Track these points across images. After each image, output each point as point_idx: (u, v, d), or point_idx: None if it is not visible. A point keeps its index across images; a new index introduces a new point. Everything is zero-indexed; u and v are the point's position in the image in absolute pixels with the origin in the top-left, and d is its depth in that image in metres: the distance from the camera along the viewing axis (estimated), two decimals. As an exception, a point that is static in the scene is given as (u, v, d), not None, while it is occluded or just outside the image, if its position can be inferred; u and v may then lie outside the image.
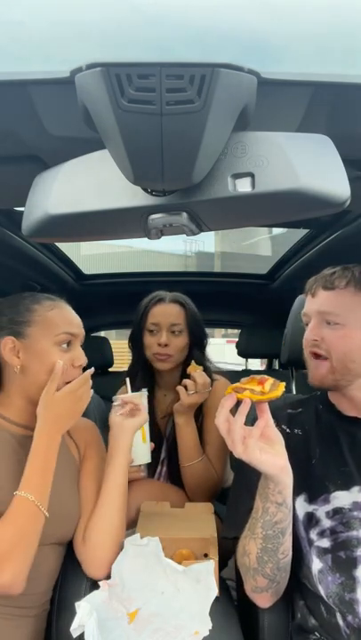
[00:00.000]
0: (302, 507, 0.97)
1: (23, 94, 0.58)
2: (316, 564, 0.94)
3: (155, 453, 1.35)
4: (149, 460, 1.25)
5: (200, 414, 1.49)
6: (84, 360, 1.03)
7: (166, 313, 1.51)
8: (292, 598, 1.01)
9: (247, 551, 0.93)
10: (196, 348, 1.54)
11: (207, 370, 1.48)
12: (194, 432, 1.43)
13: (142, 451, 1.21)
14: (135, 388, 1.24)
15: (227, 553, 1.21)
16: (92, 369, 1.02)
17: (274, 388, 0.87)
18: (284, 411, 1.09)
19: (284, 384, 0.89)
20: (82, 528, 1.03)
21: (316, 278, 1.04)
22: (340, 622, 0.90)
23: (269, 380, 0.88)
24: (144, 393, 1.20)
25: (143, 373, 1.55)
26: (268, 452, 0.85)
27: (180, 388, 1.39)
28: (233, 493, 1.09)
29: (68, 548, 1.07)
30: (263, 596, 0.97)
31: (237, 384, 0.89)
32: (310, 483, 0.97)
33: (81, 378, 0.99)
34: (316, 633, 0.93)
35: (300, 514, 0.97)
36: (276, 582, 0.94)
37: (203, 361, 1.51)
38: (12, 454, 0.98)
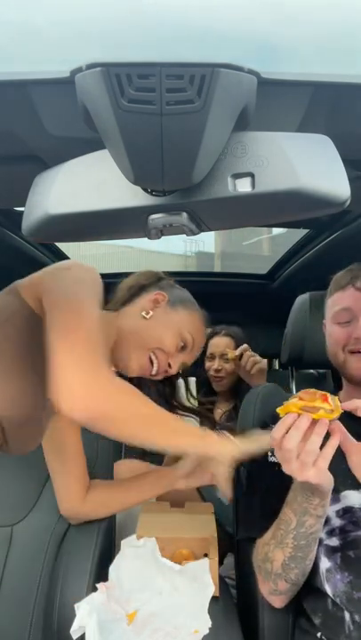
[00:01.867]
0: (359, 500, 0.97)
1: (23, 94, 0.58)
2: (325, 563, 0.94)
3: None
4: None
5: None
6: (173, 371, 1.08)
7: (219, 344, 1.98)
8: (295, 598, 1.01)
9: (270, 558, 0.93)
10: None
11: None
12: None
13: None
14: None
15: (223, 551, 1.21)
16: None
17: (335, 403, 0.82)
18: None
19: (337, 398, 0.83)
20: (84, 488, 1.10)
21: (354, 271, 1.01)
22: (347, 617, 0.90)
23: (330, 396, 0.82)
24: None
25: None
26: (326, 468, 0.81)
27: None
28: (246, 494, 1.08)
29: (67, 547, 1.07)
30: (280, 598, 0.98)
31: (303, 403, 0.80)
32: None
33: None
34: (319, 633, 0.93)
35: (357, 506, 0.96)
36: (296, 585, 0.94)
37: None
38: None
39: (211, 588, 0.99)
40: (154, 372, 1.07)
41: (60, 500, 1.11)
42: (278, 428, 0.80)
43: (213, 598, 0.99)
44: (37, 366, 0.84)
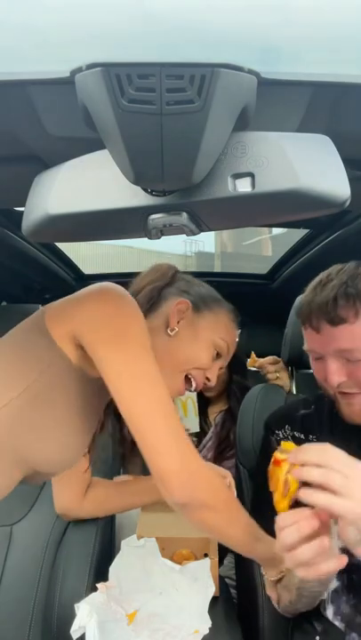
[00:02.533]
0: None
1: (23, 94, 0.57)
2: (333, 584, 0.92)
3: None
4: (198, 430, 1.59)
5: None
6: (214, 380, 1.00)
7: None
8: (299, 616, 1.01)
9: (278, 594, 0.92)
10: (236, 373, 1.86)
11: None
12: None
13: (195, 421, 1.55)
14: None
15: (222, 552, 1.21)
16: None
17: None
18: (297, 412, 1.04)
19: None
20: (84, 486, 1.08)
21: (312, 308, 0.90)
22: (344, 633, 0.89)
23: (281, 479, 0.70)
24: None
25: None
26: None
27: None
28: (255, 510, 1.05)
29: (66, 548, 1.07)
30: (292, 612, 0.97)
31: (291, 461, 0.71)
32: None
33: None
34: (317, 637, 0.93)
35: None
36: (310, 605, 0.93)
37: (244, 382, 1.85)
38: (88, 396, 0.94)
39: (211, 588, 0.99)
40: (192, 390, 0.98)
41: (57, 496, 1.07)
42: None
43: (213, 598, 0.99)
44: (80, 419, 0.84)
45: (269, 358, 1.73)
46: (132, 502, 1.16)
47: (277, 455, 0.71)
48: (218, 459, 1.79)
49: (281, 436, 1.04)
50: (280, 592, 0.92)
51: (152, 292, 0.99)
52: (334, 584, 0.92)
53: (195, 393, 1.57)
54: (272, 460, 0.72)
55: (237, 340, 1.07)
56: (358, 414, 0.92)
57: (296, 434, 1.00)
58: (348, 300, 0.86)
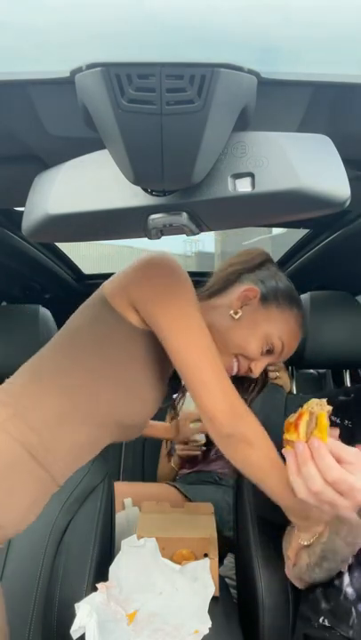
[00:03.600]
0: None
1: (23, 94, 0.58)
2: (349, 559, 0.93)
3: None
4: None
5: None
6: (257, 374, 1.01)
7: None
8: (307, 589, 1.01)
9: (297, 555, 0.92)
10: None
11: None
12: None
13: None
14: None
15: (222, 552, 1.22)
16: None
17: (312, 425, 0.72)
18: (336, 397, 1.05)
19: (326, 405, 0.74)
20: None
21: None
22: (353, 611, 0.90)
23: (304, 416, 0.72)
24: None
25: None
26: None
27: None
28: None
29: (65, 548, 1.07)
30: (302, 580, 0.97)
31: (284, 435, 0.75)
32: None
33: None
34: (322, 618, 0.94)
35: None
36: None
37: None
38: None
39: (211, 588, 0.99)
40: (233, 374, 1.01)
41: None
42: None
43: (213, 598, 0.99)
44: (154, 375, 0.93)
45: None
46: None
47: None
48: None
49: None
50: (301, 553, 0.91)
51: (231, 274, 1.04)
52: (350, 559, 0.93)
53: None
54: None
55: (295, 342, 1.05)
56: None
57: (332, 417, 1.02)
58: None
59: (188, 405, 1.52)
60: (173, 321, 0.87)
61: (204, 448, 1.75)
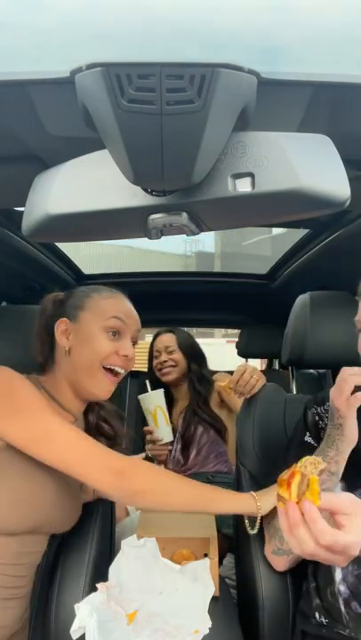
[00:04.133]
0: (337, 492, 0.96)
1: (23, 94, 0.58)
2: None
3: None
4: (171, 438, 1.59)
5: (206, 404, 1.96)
6: (130, 352, 1.04)
7: (163, 340, 2.07)
8: (300, 582, 1.01)
9: (270, 535, 0.95)
10: (194, 362, 2.02)
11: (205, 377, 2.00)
12: None
13: (167, 430, 1.55)
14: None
15: (222, 552, 1.22)
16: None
17: (304, 487, 0.69)
18: None
19: (321, 464, 0.71)
20: None
21: None
22: (342, 608, 0.90)
23: (296, 476, 0.69)
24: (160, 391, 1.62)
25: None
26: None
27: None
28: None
29: (64, 548, 1.07)
30: (282, 560, 0.99)
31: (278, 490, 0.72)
32: (351, 472, 0.96)
33: None
34: (317, 614, 0.94)
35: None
36: None
37: (201, 371, 2.01)
38: None
39: (211, 588, 0.99)
40: (122, 373, 1.04)
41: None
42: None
43: (213, 598, 0.99)
44: (31, 484, 0.93)
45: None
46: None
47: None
48: (185, 456, 1.90)
49: (319, 411, 1.08)
50: (272, 533, 0.96)
51: (40, 336, 1.08)
52: None
53: (163, 402, 1.60)
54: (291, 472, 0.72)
55: (130, 307, 1.09)
56: None
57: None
58: None
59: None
60: (24, 433, 0.89)
61: (170, 447, 1.79)
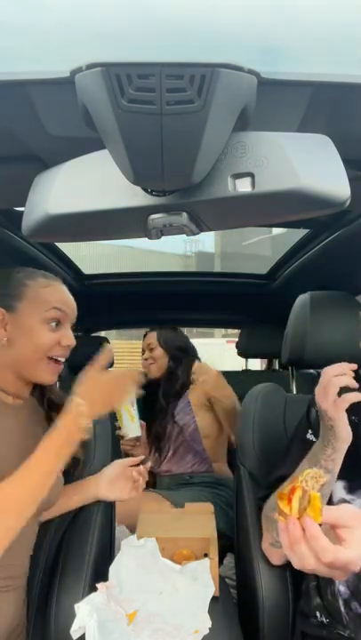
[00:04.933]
0: (340, 492, 0.97)
1: (23, 94, 0.58)
2: None
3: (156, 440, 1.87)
4: (139, 434, 1.50)
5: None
6: (72, 341, 1.03)
7: (146, 339, 2.14)
8: (300, 582, 1.01)
9: (275, 505, 0.94)
10: (173, 359, 2.05)
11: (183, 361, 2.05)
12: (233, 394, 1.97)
13: (133, 427, 1.48)
14: None
15: (223, 552, 1.22)
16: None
17: (305, 502, 0.68)
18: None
19: (323, 477, 0.71)
20: None
21: None
22: (342, 609, 0.90)
23: (297, 492, 0.68)
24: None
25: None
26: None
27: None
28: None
29: (64, 548, 1.07)
30: (279, 553, 0.98)
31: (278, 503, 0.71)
32: (353, 473, 0.96)
33: (126, 371, 1.07)
34: (318, 613, 0.94)
35: (336, 498, 0.97)
36: None
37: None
38: (4, 422, 0.99)
39: (211, 588, 0.99)
40: (62, 359, 1.03)
41: None
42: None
43: (213, 598, 0.99)
44: None
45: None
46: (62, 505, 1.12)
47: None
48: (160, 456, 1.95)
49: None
50: (269, 526, 0.96)
51: None
52: None
53: (130, 398, 1.48)
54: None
55: (68, 294, 1.07)
56: None
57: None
58: None
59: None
60: None
61: (138, 443, 1.81)
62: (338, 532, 0.67)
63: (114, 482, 1.14)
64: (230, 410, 1.93)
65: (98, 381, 1.00)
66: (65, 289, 1.08)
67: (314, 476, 0.70)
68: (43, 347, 0.99)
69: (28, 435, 0.99)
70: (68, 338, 1.02)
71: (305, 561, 0.66)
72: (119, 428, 1.54)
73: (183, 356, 2.09)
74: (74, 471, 1.13)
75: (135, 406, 1.50)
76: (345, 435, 0.91)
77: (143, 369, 2.10)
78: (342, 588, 0.92)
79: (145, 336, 2.18)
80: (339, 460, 0.92)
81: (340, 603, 0.91)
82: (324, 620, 0.93)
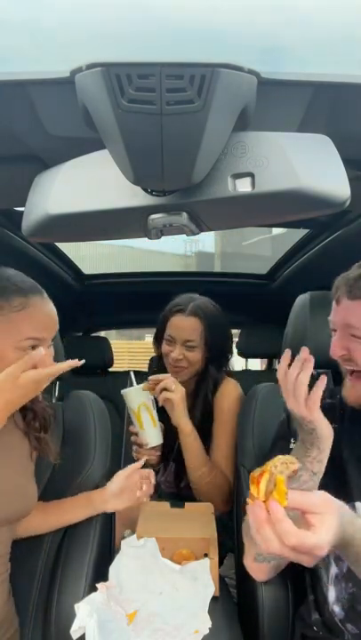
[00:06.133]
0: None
1: (23, 94, 0.58)
2: (333, 569, 0.92)
3: (166, 449, 1.42)
4: (161, 442, 1.32)
5: (210, 418, 1.45)
6: (49, 363, 0.90)
7: (182, 327, 1.45)
8: (300, 588, 1.00)
9: (247, 545, 0.93)
10: (213, 364, 1.49)
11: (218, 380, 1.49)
12: (198, 440, 1.37)
13: (154, 433, 1.30)
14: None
15: (223, 552, 1.21)
16: (41, 351, 0.88)
17: (271, 485, 0.69)
18: (323, 401, 1.06)
19: (295, 464, 0.71)
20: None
21: (340, 282, 0.93)
22: (341, 626, 0.89)
23: (265, 475, 0.69)
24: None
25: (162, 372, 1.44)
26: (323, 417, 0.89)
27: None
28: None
29: (64, 548, 1.07)
30: (262, 567, 0.95)
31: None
32: (336, 486, 0.91)
33: (21, 362, 0.85)
34: (315, 628, 0.93)
35: None
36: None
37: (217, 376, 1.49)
38: None
39: (211, 588, 0.99)
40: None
41: None
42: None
43: (213, 598, 0.99)
44: None
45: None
46: (55, 522, 1.10)
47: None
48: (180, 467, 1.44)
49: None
50: (250, 541, 0.93)
51: None
52: (334, 570, 0.92)
53: (148, 398, 1.30)
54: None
55: (48, 311, 0.94)
56: (354, 399, 0.95)
57: None
58: None
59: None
60: None
61: (158, 452, 1.42)
62: (307, 517, 0.67)
63: (120, 494, 1.11)
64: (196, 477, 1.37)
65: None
66: (45, 304, 0.95)
67: (285, 462, 0.70)
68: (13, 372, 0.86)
69: (3, 445, 0.97)
70: (45, 362, 0.88)
71: (270, 544, 0.66)
72: (135, 434, 1.34)
73: (224, 361, 1.55)
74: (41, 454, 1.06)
75: (155, 409, 1.30)
76: (328, 432, 0.90)
77: (171, 369, 1.47)
78: (337, 609, 0.91)
79: (166, 320, 1.48)
80: (325, 460, 0.90)
81: (338, 622, 0.89)
82: (322, 634, 0.91)
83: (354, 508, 0.93)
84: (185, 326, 1.45)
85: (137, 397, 1.30)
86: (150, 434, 1.30)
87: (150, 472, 1.16)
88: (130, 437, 1.39)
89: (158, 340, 1.55)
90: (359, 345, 0.89)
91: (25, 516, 1.01)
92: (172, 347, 1.46)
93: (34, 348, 0.90)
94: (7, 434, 0.97)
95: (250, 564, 0.96)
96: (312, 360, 0.90)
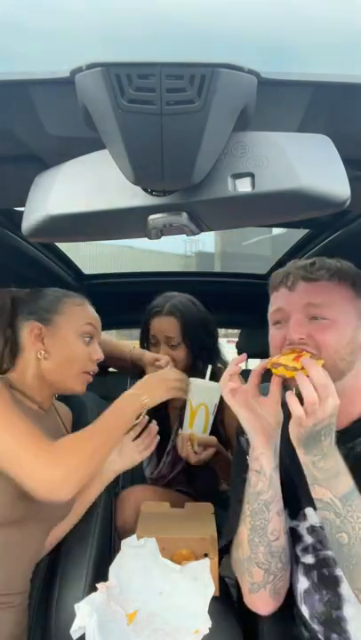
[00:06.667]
0: (287, 521, 0.93)
1: (23, 94, 0.57)
2: (303, 584, 0.92)
3: (162, 445, 1.40)
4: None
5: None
6: (101, 355, 1.11)
7: (160, 328, 1.52)
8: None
9: (239, 540, 0.92)
10: (200, 359, 1.51)
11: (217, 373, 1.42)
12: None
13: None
14: None
15: (223, 551, 1.21)
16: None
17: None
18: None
19: (322, 361, 0.82)
20: None
21: (290, 269, 0.93)
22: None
23: (306, 356, 0.83)
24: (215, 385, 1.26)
25: None
26: (254, 411, 0.88)
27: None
28: (232, 497, 1.04)
29: (64, 549, 1.07)
30: (262, 596, 0.91)
31: (276, 358, 0.85)
32: (287, 497, 0.91)
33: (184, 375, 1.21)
34: (307, 634, 0.93)
35: (286, 527, 0.92)
36: (273, 575, 0.89)
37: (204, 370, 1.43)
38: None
39: (211, 588, 0.99)
40: (93, 373, 1.12)
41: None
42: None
43: (213, 598, 0.99)
44: None
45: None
46: (106, 438, 1.07)
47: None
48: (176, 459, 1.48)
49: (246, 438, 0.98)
50: (240, 535, 0.93)
51: (4, 333, 1.07)
52: (304, 584, 0.91)
53: (211, 400, 1.26)
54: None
55: (95, 313, 1.15)
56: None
57: None
58: (325, 262, 0.93)
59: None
60: None
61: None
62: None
63: (121, 451, 1.19)
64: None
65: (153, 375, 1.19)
66: (93, 309, 1.16)
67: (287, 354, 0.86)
68: (79, 360, 1.07)
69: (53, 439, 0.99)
70: (98, 352, 1.11)
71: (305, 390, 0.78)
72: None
73: (212, 354, 1.57)
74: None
75: (213, 416, 1.26)
76: (249, 428, 0.89)
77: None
78: (316, 626, 0.90)
79: (148, 324, 1.55)
80: (264, 460, 0.88)
81: (322, 638, 0.89)
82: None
83: (304, 515, 0.92)
84: (163, 327, 1.51)
85: (203, 394, 1.25)
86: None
87: (152, 425, 1.25)
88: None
89: (144, 344, 1.60)
90: (319, 326, 0.87)
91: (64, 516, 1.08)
92: (157, 348, 1.52)
93: (90, 339, 1.10)
94: (57, 431, 1.13)
95: (249, 599, 0.93)
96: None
